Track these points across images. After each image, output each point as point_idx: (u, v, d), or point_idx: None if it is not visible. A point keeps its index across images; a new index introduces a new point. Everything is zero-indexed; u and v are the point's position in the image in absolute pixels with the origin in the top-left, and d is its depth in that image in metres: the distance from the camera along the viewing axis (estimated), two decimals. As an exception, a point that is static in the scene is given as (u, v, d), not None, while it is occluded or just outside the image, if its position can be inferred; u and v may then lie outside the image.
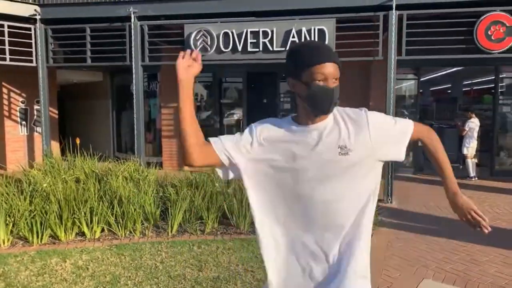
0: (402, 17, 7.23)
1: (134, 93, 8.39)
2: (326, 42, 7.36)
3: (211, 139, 1.55)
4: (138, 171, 6.64)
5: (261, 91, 11.78)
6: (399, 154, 1.59)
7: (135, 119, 8.38)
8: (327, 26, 7.30)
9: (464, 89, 14.00)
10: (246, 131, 1.59)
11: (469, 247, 4.98)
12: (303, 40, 7.32)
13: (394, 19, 7.16)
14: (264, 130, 1.56)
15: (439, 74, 12.72)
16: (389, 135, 1.56)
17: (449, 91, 14.97)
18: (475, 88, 13.58)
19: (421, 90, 11.10)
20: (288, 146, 1.52)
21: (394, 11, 7.17)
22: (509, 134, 10.39)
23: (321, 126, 1.51)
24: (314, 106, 1.47)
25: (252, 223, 5.50)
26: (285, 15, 7.57)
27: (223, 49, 7.58)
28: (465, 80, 13.67)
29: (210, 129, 10.84)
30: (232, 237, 5.32)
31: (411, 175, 10.16)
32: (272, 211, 1.57)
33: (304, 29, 7.33)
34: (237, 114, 11.29)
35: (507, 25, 6.83)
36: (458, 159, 10.87)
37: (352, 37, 7.47)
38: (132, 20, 8.19)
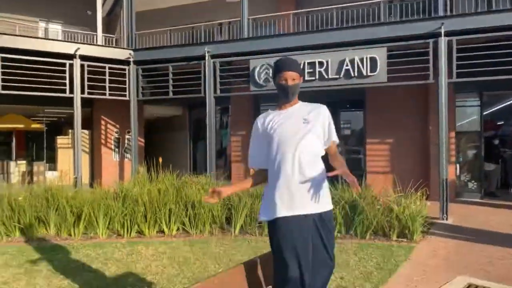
0: (451, 42, 7.67)
1: (207, 120, 9.63)
2: (378, 69, 8.00)
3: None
4: (209, 184, 7.65)
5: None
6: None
7: (207, 141, 9.57)
8: (378, 54, 7.97)
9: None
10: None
11: (515, 254, 5.14)
12: (356, 68, 8.06)
13: (443, 45, 7.63)
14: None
15: (507, 103, 12.41)
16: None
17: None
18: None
19: (485, 119, 10.87)
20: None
21: (443, 37, 7.65)
22: None
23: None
24: (281, 95, 2.45)
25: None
26: (340, 47, 8.40)
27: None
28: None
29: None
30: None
31: (478, 199, 10.02)
32: None
33: (356, 58, 8.08)
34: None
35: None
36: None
37: (404, 63, 8.03)
38: (206, 58, 9.57)
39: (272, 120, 2.43)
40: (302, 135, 2.32)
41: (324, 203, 2.34)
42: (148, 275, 4.45)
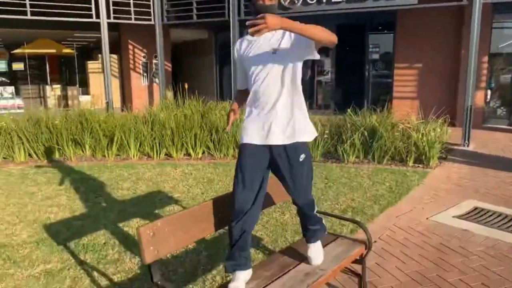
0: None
1: (232, 44, 9.57)
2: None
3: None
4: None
5: (349, 44, 12.13)
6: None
7: (232, 66, 9.61)
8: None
9: None
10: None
11: (529, 181, 5.24)
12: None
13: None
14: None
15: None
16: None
17: None
18: None
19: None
20: None
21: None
22: None
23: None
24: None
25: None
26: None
27: (309, 1, 8.26)
28: None
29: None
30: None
31: (506, 126, 9.86)
32: None
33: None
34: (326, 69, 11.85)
35: None
36: None
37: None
38: (230, -21, 9.25)
39: (247, 47, 2.32)
40: (269, 69, 2.23)
41: (288, 135, 2.25)
42: (175, 193, 4.89)
